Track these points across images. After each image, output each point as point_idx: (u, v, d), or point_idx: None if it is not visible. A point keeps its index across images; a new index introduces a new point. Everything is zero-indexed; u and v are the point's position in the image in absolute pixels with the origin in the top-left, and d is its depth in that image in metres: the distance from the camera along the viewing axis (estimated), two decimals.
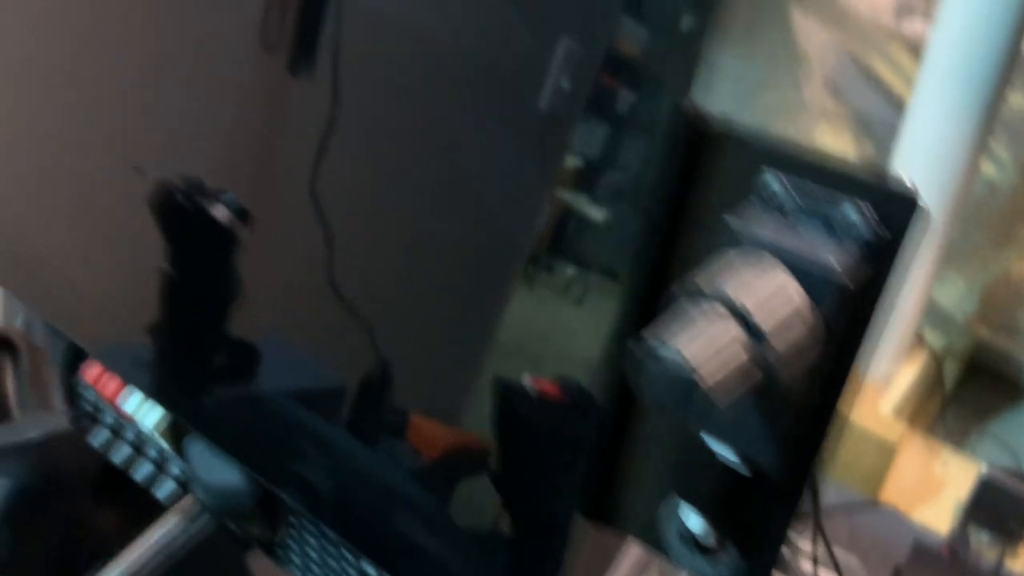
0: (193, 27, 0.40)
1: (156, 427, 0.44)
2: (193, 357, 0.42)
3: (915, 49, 1.26)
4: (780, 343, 0.17)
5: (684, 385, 0.16)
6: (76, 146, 0.44)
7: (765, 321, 0.17)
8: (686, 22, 0.20)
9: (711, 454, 0.21)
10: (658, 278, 0.21)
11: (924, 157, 1.06)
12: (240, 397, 0.40)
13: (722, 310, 0.16)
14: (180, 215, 0.42)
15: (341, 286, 0.36)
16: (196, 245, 0.42)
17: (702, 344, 0.16)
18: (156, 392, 0.43)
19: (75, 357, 0.50)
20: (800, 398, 0.19)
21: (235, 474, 0.41)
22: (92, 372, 0.47)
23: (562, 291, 0.27)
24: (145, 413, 0.45)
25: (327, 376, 0.38)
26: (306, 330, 0.39)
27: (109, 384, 0.46)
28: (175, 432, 0.45)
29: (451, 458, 0.35)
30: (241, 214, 0.42)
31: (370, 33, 0.36)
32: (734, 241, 0.18)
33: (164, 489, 0.47)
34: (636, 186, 0.22)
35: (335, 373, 0.37)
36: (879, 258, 0.18)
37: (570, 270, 0.27)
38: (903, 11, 1.33)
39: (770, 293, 0.17)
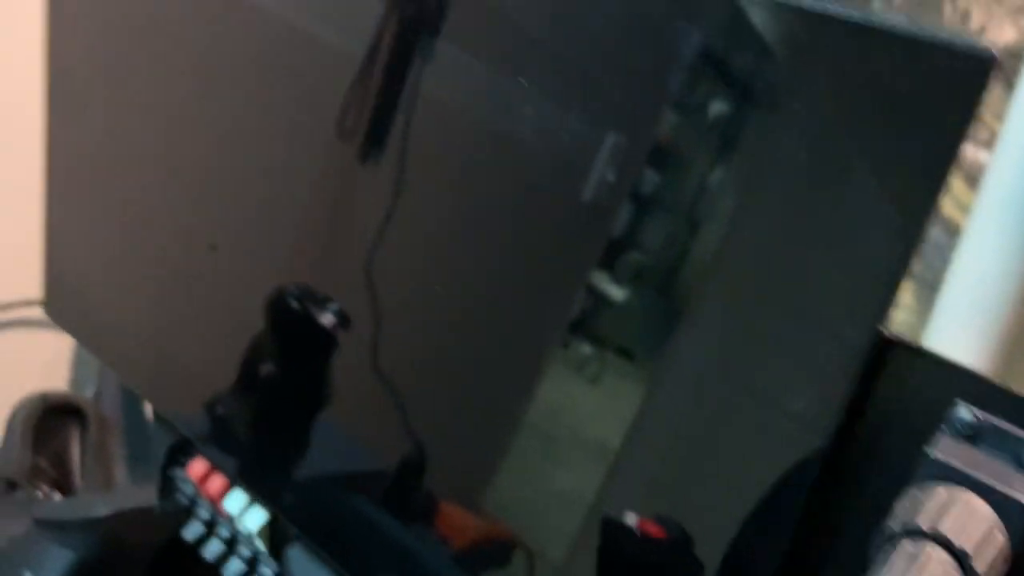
0: (276, 112, 0.43)
1: (258, 531, 0.46)
2: (280, 446, 0.44)
3: (967, 175, 1.30)
4: None
5: None
6: (157, 222, 0.46)
7: (980, 564, 0.18)
8: (889, 254, 0.22)
9: None
10: (827, 494, 0.23)
11: (977, 284, 1.07)
12: (328, 493, 0.42)
13: (943, 552, 0.18)
14: (288, 317, 0.44)
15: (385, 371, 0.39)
16: (296, 344, 0.44)
17: None
18: (240, 477, 0.45)
19: (178, 452, 0.51)
20: None
21: None
22: (198, 469, 0.48)
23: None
24: (247, 515, 0.46)
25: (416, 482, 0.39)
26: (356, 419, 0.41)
27: (214, 483, 0.47)
28: (275, 536, 0.46)
29: None
30: (343, 320, 0.44)
31: (436, 125, 0.39)
32: (933, 474, 0.20)
33: None
34: (823, 398, 0.23)
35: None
36: None
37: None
38: None
39: (982, 534, 0.19)
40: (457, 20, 0.39)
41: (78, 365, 0.89)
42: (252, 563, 0.48)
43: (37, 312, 0.86)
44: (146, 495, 0.72)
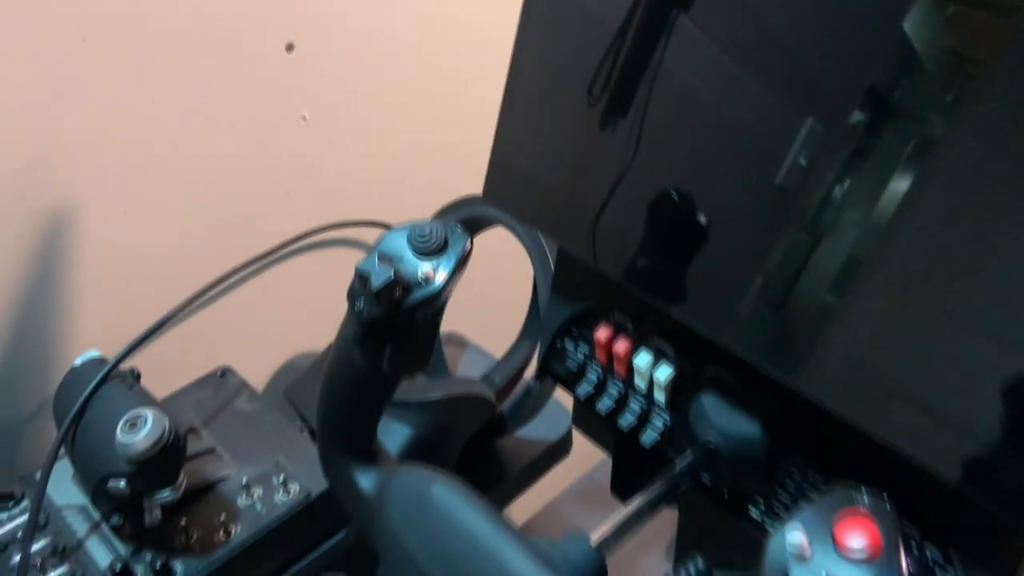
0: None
1: (663, 384, 0.54)
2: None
3: None
4: None
5: None
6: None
7: None
8: None
9: None
10: None
11: None
12: None
13: None
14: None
15: None
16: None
17: None
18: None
19: (571, 323, 0.61)
20: None
21: (752, 425, 0.50)
22: (603, 334, 0.57)
23: None
24: (653, 370, 0.55)
25: None
26: None
27: (620, 345, 0.56)
28: (675, 389, 0.55)
29: None
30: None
31: (671, 98, 0.47)
32: None
33: (647, 438, 0.57)
34: None
35: None
36: None
37: None
38: None
39: None
40: (704, 4, 0.46)
41: None
42: (644, 415, 0.57)
43: (355, 232, 0.99)
44: (469, 386, 0.84)
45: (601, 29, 0.51)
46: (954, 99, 0.37)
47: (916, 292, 0.38)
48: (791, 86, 0.43)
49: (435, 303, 0.45)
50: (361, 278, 0.44)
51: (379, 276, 0.43)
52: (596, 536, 0.46)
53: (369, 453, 0.51)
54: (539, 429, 0.94)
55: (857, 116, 0.40)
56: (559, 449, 0.95)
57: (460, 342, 1.07)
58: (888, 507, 0.30)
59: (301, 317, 0.94)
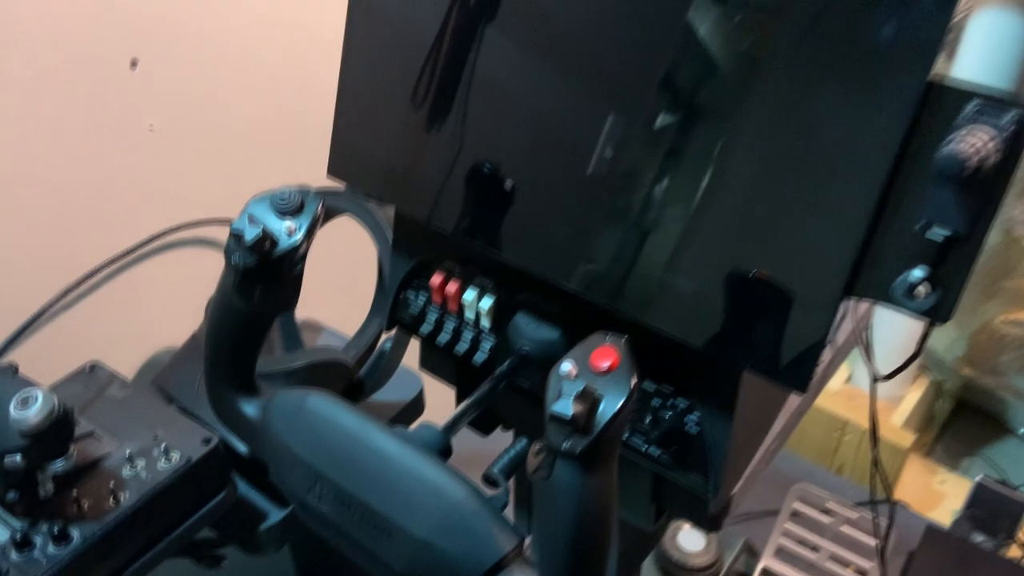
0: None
1: (487, 311, 0.68)
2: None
3: None
4: None
5: None
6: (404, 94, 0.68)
7: None
8: None
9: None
10: None
11: None
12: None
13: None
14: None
15: None
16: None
17: None
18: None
19: (411, 277, 0.74)
20: None
21: (554, 331, 0.65)
22: (436, 280, 0.71)
23: None
24: (481, 303, 0.69)
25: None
26: None
27: (452, 286, 0.70)
28: (497, 314, 0.69)
29: None
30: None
31: (488, 100, 0.60)
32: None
33: (478, 358, 0.71)
34: None
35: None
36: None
37: None
38: None
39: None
40: (506, 13, 0.54)
41: None
42: (475, 341, 0.71)
43: (207, 231, 1.07)
44: (328, 354, 0.95)
45: (419, 34, 0.63)
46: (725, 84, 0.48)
47: (670, 218, 0.54)
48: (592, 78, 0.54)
49: (297, 252, 0.57)
50: (236, 235, 0.55)
51: (251, 232, 0.55)
52: (442, 424, 0.60)
53: (251, 387, 0.62)
54: (394, 392, 1.06)
55: (650, 103, 0.50)
56: (413, 409, 1.08)
57: (316, 327, 1.17)
58: (624, 341, 0.46)
59: (163, 314, 1.01)
